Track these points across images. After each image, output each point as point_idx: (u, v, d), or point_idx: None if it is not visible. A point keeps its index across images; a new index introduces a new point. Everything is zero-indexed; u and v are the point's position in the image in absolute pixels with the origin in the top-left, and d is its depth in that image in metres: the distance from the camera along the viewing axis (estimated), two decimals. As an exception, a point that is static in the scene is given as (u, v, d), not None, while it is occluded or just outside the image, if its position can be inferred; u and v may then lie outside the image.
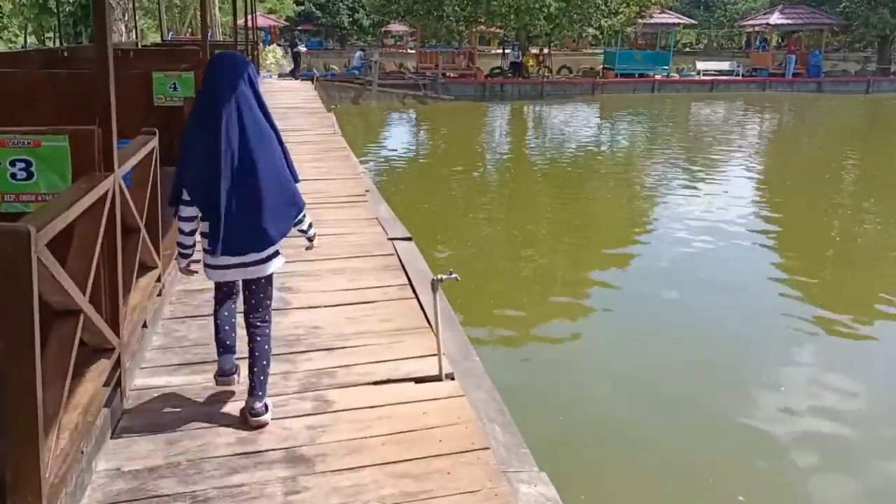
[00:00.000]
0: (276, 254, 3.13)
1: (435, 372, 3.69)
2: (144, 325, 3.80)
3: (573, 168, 16.89)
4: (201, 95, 3.09)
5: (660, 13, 31.35)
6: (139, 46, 20.22)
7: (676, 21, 32.57)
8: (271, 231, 3.03)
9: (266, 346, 3.20)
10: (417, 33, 32.83)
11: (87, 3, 20.38)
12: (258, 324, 3.19)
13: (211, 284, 3.37)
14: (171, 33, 29.73)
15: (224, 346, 3.31)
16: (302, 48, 28.84)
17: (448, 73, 28.79)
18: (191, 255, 3.22)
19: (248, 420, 3.15)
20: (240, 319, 3.34)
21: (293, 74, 26.28)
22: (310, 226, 3.35)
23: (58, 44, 19.58)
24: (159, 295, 4.28)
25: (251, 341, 3.18)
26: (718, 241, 10.56)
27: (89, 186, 2.88)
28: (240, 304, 3.36)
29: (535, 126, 24.53)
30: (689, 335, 7.33)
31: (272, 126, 3.09)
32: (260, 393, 3.15)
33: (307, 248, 3.51)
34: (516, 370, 6.55)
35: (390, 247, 5.97)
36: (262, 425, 3.14)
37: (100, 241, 2.89)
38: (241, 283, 3.26)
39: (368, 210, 7.12)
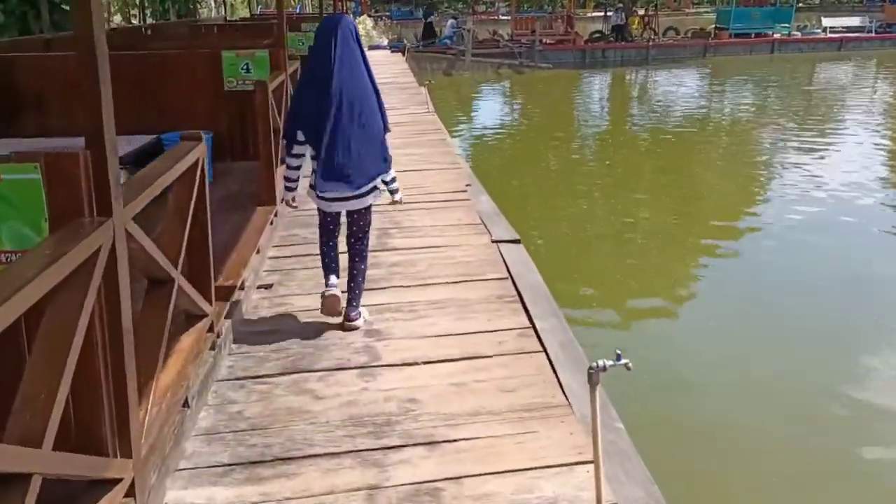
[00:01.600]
0: (374, 188, 3.60)
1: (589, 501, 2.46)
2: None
3: (680, 141, 15.11)
4: (315, 50, 3.52)
5: (781, -35, 28.43)
6: (226, 21, 19.65)
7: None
8: (371, 171, 3.53)
9: (363, 266, 3.79)
10: (512, -1, 31.09)
11: (172, -22, 19.84)
12: (358, 247, 3.76)
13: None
14: (260, 7, 29.19)
15: (330, 269, 3.78)
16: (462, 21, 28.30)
17: (545, 40, 27.00)
18: (295, 188, 3.74)
19: (344, 326, 3.72)
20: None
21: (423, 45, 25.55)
22: (393, 179, 3.73)
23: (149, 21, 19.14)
24: (212, 349, 3.29)
25: (351, 261, 3.77)
26: (846, 224, 9.13)
27: (69, 244, 1.84)
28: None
29: (640, 94, 22.54)
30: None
31: (372, 81, 3.54)
32: (355, 304, 3.74)
33: (391, 203, 3.88)
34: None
35: (500, 264, 4.76)
36: (356, 328, 3.72)
37: (77, 335, 1.82)
38: (344, 213, 3.70)
39: (470, 211, 5.92)
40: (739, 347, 5.92)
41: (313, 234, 4.37)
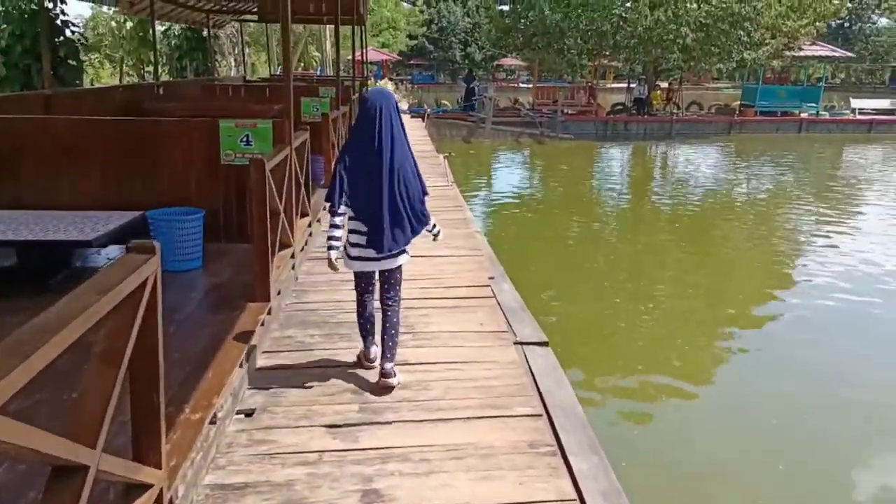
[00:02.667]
0: (405, 251, 3.88)
1: None
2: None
3: (707, 221, 14.31)
4: (362, 121, 3.73)
5: (810, 45, 28.02)
6: (246, 81, 19.31)
7: (829, 54, 29.10)
8: (407, 237, 3.83)
9: (395, 319, 3.95)
10: (534, 67, 30.87)
11: (192, 35, 19.60)
12: (390, 303, 3.97)
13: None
14: (280, 68, 29.13)
15: (368, 334, 4.08)
16: (483, 87, 28.31)
17: (567, 110, 26.62)
18: (338, 247, 3.82)
19: (379, 381, 3.87)
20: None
21: (466, 109, 25.35)
22: (434, 225, 4.02)
23: (165, 77, 18.82)
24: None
25: (384, 315, 3.95)
26: (870, 318, 8.54)
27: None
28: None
29: (663, 169, 21.88)
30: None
31: (411, 152, 3.84)
32: (389, 355, 3.88)
33: (434, 239, 4.09)
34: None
35: (529, 387, 3.95)
36: (391, 386, 3.84)
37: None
38: (377, 273, 3.96)
39: (493, 312, 5.12)
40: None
41: (311, 336, 4.54)
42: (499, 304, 5.41)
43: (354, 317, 4.25)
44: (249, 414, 3.69)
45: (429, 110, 24.61)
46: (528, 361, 4.51)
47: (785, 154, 23.83)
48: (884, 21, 75.44)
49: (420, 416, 3.61)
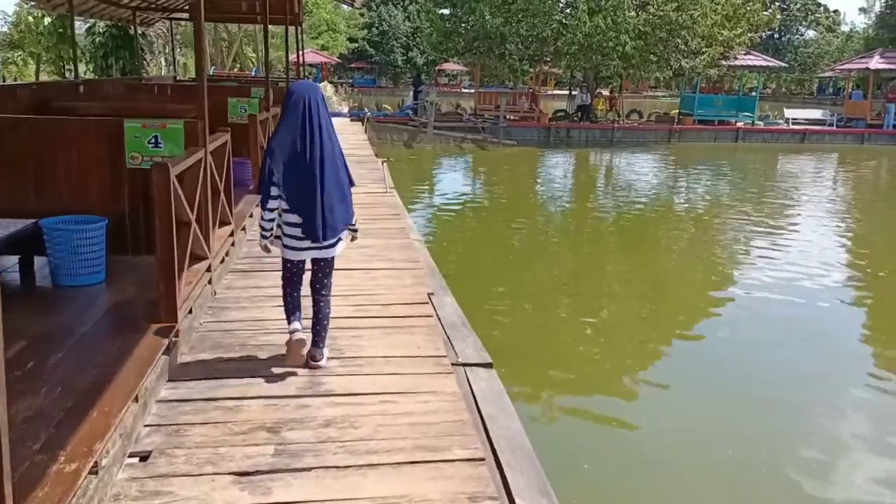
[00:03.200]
0: (339, 240, 3.94)
1: None
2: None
3: (650, 230, 14.20)
4: (289, 111, 3.76)
5: (745, 54, 28.50)
6: (176, 81, 18.43)
7: (764, 64, 29.65)
8: (339, 226, 3.88)
9: (328, 310, 4.03)
10: (476, 72, 30.60)
11: (118, 32, 18.64)
12: (323, 292, 4.03)
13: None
14: (213, 68, 28.08)
15: (294, 313, 3.98)
16: (424, 92, 28.05)
17: (509, 116, 26.41)
18: (269, 236, 3.91)
19: (308, 365, 3.93)
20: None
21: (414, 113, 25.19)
22: (355, 222, 4.08)
23: (89, 76, 17.86)
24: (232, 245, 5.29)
25: (315, 305, 4.02)
26: (805, 314, 8.95)
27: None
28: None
29: (606, 178, 21.82)
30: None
31: (337, 141, 3.89)
32: (321, 344, 3.99)
33: (351, 240, 4.14)
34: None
35: (471, 424, 3.52)
36: (320, 367, 3.95)
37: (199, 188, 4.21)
38: (309, 262, 3.98)
39: (432, 334, 4.67)
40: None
41: (225, 361, 4.13)
42: (440, 320, 4.98)
43: (277, 338, 4.21)
44: (144, 458, 3.15)
45: (369, 114, 24.07)
46: (470, 386, 4.09)
47: (723, 163, 24.13)
48: (811, 33, 78.13)
49: (345, 460, 3.11)
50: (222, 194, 5.50)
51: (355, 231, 4.10)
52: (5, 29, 28.62)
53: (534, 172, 21.71)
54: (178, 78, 21.22)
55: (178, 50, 25.73)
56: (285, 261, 3.96)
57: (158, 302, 3.99)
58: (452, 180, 20.03)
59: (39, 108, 7.80)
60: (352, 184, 3.96)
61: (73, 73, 14.29)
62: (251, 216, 7.30)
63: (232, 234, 5.98)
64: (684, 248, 12.69)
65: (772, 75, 61.80)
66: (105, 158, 4.87)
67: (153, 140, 4.82)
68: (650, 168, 23.10)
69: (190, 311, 4.36)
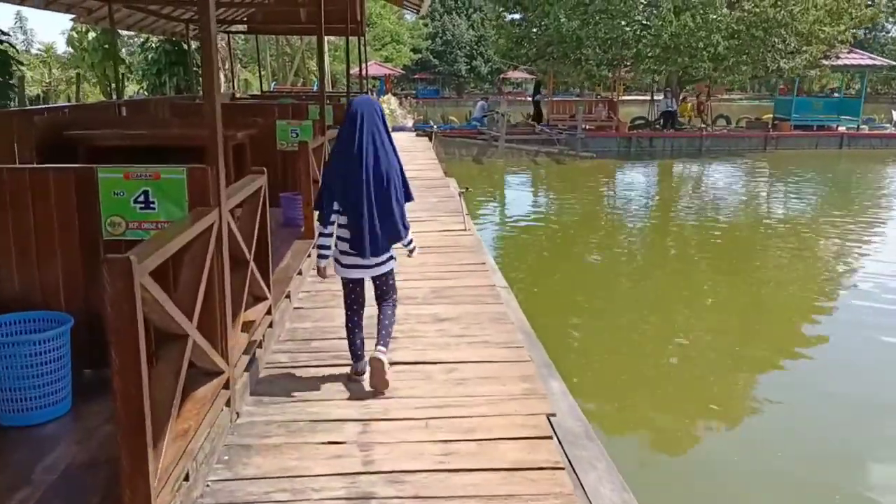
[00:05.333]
0: (392, 257, 3.94)
1: None
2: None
3: (755, 249, 12.11)
4: (346, 131, 3.76)
5: (847, 53, 25.78)
6: (234, 98, 17.22)
7: (870, 62, 26.79)
8: (389, 245, 3.86)
9: (391, 312, 3.97)
10: (549, 80, 28.67)
11: (172, 48, 17.54)
12: (386, 299, 3.99)
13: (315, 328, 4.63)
14: (274, 83, 26.99)
15: (357, 354, 3.97)
16: (494, 103, 26.92)
17: (586, 126, 24.41)
18: (329, 256, 3.86)
19: (371, 363, 3.77)
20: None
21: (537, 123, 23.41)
22: (411, 240, 4.00)
23: (142, 95, 16.83)
24: (270, 326, 4.14)
25: (381, 310, 3.97)
26: None
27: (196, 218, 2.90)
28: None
29: (700, 191, 19.50)
30: None
31: (397, 156, 3.83)
32: (382, 344, 3.84)
33: (409, 255, 4.10)
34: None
35: None
36: (381, 362, 3.74)
37: (206, 270, 2.88)
38: (369, 280, 3.95)
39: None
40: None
41: None
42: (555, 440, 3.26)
43: None
44: None
45: (436, 128, 22.47)
46: None
47: (829, 174, 21.61)
48: (896, 30, 73.22)
49: None
50: (252, 264, 3.88)
51: (412, 249, 4.07)
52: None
53: (618, 187, 19.71)
54: (236, 95, 20.11)
55: (238, 65, 24.72)
56: (342, 280, 3.96)
57: (122, 484, 2.38)
58: (528, 199, 18.17)
59: (48, 138, 6.42)
60: (410, 199, 3.93)
61: (115, 93, 13.14)
62: (300, 274, 5.70)
63: (270, 312, 4.37)
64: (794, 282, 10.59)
65: (855, 75, 57.75)
66: (73, 226, 3.31)
67: (142, 197, 3.23)
68: (745, 180, 20.73)
69: (185, 478, 2.73)
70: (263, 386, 3.91)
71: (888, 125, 26.90)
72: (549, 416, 3.61)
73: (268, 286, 4.34)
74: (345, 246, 3.77)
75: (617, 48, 24.28)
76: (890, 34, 73.14)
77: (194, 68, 16.66)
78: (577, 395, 4.31)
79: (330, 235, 3.80)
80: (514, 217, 15.29)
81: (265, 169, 4.30)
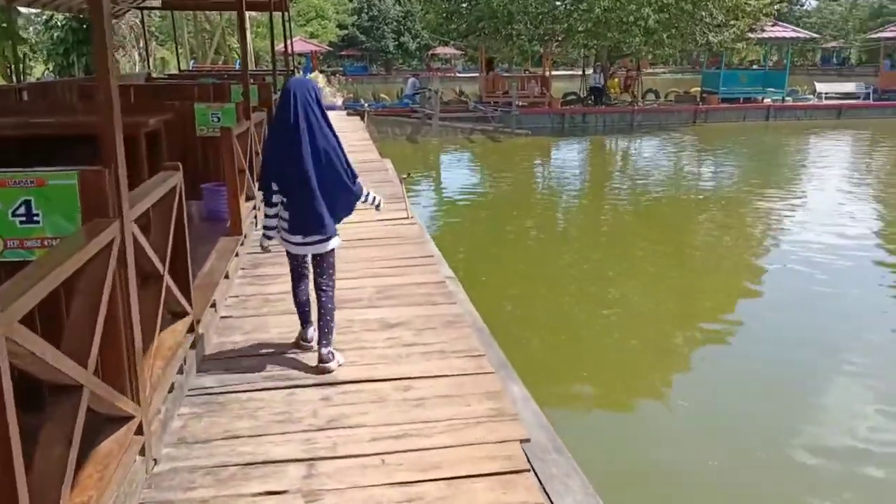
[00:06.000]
0: (334, 235, 3.89)
1: None
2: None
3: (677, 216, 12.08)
4: (282, 111, 3.75)
5: (772, 26, 26.12)
6: (150, 79, 16.09)
7: (794, 35, 27.24)
8: (330, 221, 3.81)
9: (330, 305, 3.91)
10: (481, 56, 28.12)
11: (80, 26, 16.28)
12: (324, 287, 3.93)
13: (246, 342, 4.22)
14: (193, 62, 25.59)
15: (305, 318, 4.13)
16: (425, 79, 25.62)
17: (519, 103, 24.05)
18: (273, 236, 3.95)
19: (318, 366, 3.83)
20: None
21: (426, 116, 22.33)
22: (367, 196, 4.01)
23: (40, 79, 15.65)
24: (193, 347, 3.73)
25: (319, 301, 3.92)
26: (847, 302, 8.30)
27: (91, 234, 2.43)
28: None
29: (638, 167, 19.46)
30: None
31: (334, 134, 3.81)
32: (325, 341, 3.87)
33: (377, 210, 4.18)
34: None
35: None
36: (329, 371, 3.79)
37: (106, 296, 2.41)
38: (310, 257, 3.98)
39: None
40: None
41: None
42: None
43: None
44: None
45: (368, 107, 21.74)
46: None
47: (759, 144, 21.92)
48: (813, 3, 75.66)
49: None
50: (167, 278, 3.29)
51: (377, 205, 4.14)
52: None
53: (554, 164, 19.48)
54: (152, 75, 18.91)
55: (153, 42, 23.28)
56: (288, 253, 4.04)
57: None
58: (469, 179, 17.70)
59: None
60: (355, 176, 3.90)
61: (16, 75, 12.00)
62: (227, 277, 5.10)
63: (192, 329, 3.79)
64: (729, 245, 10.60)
65: (772, 48, 59.21)
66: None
67: (22, 209, 2.61)
68: (676, 154, 20.80)
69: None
70: (186, 422, 3.34)
71: (811, 96, 27.51)
72: (522, 441, 3.18)
73: (188, 299, 3.75)
74: (285, 224, 3.84)
75: (548, 23, 23.94)
76: (804, 7, 75.52)
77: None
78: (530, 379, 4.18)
79: (274, 216, 3.89)
80: (453, 198, 14.84)
81: (180, 164, 3.69)
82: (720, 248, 11.08)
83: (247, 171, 6.54)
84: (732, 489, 4.80)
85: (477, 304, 5.29)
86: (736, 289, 9.01)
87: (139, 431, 2.77)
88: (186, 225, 3.75)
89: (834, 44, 68.54)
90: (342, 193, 3.82)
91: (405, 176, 7.79)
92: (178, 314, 3.67)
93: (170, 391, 3.29)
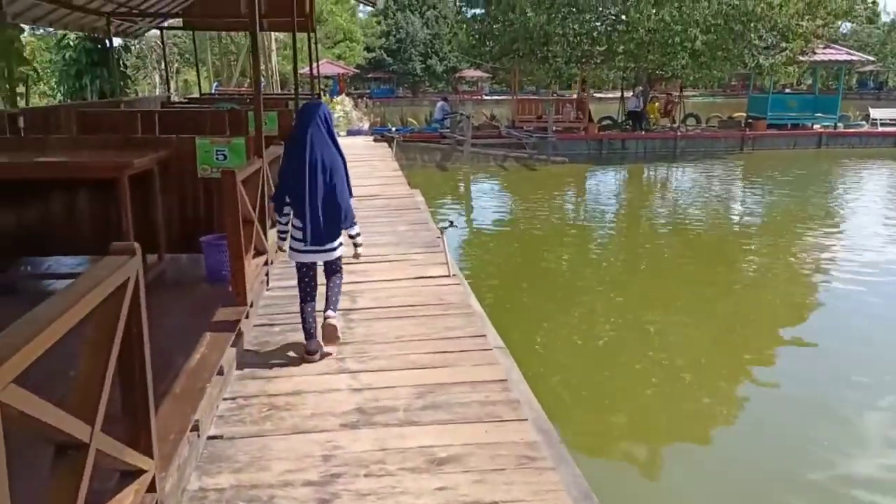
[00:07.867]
0: (340, 244, 4.36)
1: None
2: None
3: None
4: (293, 135, 4.28)
5: (824, 48, 24.70)
6: (166, 103, 15.11)
7: (848, 58, 25.81)
8: (336, 232, 4.30)
9: (339, 282, 4.47)
10: (514, 79, 26.98)
11: (94, 46, 15.37)
12: (333, 277, 4.44)
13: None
14: (216, 84, 24.72)
15: (309, 333, 4.31)
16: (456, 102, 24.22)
17: (554, 128, 22.80)
18: (286, 238, 4.39)
19: (324, 323, 4.25)
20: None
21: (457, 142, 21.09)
22: (357, 234, 4.45)
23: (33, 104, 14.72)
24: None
25: (329, 280, 4.42)
26: None
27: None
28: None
29: (681, 205, 18.09)
30: None
31: (340, 154, 4.28)
32: (332, 307, 4.33)
33: (354, 256, 4.56)
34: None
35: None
36: (333, 325, 4.24)
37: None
38: (320, 264, 4.41)
39: None
40: None
41: None
42: None
43: None
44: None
45: (397, 135, 20.60)
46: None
47: (810, 173, 20.44)
48: (847, 25, 73.98)
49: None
50: (93, 443, 2.06)
51: (358, 245, 4.51)
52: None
53: (597, 194, 18.17)
54: (172, 98, 17.96)
55: (177, 64, 22.45)
56: (296, 264, 4.40)
57: None
58: (496, 207, 16.44)
59: None
60: (350, 195, 4.34)
61: (24, 99, 11.03)
62: (221, 374, 3.88)
63: (152, 488, 2.55)
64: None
65: (806, 70, 57.49)
66: None
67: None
68: (731, 184, 19.39)
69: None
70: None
71: (864, 123, 25.94)
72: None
73: (147, 449, 2.52)
74: (297, 234, 4.24)
75: (586, 44, 22.76)
76: (840, 30, 73.89)
77: (120, 69, 14.59)
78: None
79: (286, 223, 4.34)
80: (485, 227, 13.61)
81: (137, 246, 2.47)
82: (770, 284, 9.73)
83: (256, 223, 5.34)
84: None
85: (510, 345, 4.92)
86: (784, 337, 8.13)
87: (151, 488, 1.52)
88: (146, 334, 2.52)
89: (871, 67, 66.76)
90: (344, 206, 4.23)
91: (447, 226, 6.52)
92: (130, 473, 2.44)
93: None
